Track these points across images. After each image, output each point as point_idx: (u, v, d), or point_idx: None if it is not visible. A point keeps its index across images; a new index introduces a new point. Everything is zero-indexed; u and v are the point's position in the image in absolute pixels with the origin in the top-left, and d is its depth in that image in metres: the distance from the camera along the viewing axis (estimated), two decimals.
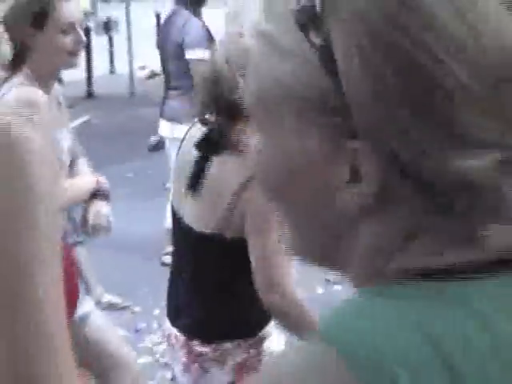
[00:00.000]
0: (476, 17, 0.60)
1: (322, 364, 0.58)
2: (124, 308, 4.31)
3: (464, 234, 0.62)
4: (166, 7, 5.49)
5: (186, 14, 4.63)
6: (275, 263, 2.13)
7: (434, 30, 0.59)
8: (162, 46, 4.92)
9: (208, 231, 2.19)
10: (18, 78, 2.48)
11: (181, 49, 4.60)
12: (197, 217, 2.25)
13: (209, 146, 2.29)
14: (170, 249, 3.56)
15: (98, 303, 3.81)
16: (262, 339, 2.23)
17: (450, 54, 0.59)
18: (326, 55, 0.63)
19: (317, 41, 0.64)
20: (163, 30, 4.95)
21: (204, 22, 4.69)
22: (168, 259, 3.45)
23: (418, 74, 0.59)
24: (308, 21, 0.64)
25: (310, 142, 0.65)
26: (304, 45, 0.64)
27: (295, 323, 2.11)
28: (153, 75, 6.05)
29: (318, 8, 0.63)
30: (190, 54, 4.54)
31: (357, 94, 0.61)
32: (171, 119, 4.69)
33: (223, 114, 2.24)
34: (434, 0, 0.59)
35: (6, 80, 2.49)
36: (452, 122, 0.60)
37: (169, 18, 4.84)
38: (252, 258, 2.15)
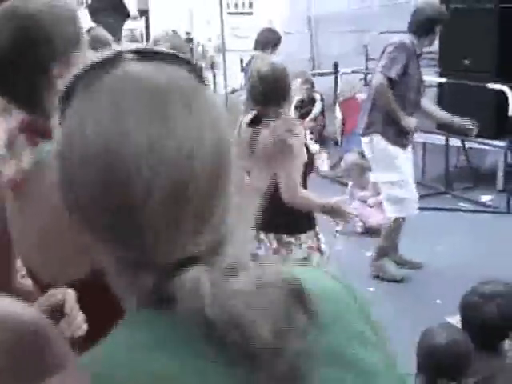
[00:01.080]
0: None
1: None
2: None
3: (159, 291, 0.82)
4: (247, 54, 8.55)
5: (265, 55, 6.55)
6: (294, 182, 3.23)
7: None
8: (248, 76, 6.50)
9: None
10: None
11: None
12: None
13: (258, 123, 3.26)
14: None
15: None
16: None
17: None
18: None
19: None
20: (249, 67, 6.57)
21: None
22: None
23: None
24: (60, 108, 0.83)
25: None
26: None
27: (308, 206, 3.39)
28: (234, 91, 9.39)
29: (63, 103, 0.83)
30: None
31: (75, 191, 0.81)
32: None
33: (264, 104, 3.27)
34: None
35: None
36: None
37: (250, 60, 6.89)
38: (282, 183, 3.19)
